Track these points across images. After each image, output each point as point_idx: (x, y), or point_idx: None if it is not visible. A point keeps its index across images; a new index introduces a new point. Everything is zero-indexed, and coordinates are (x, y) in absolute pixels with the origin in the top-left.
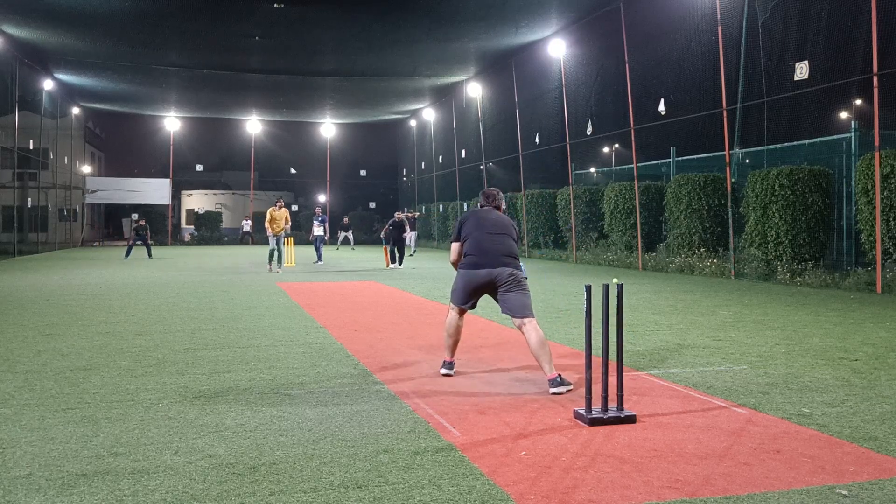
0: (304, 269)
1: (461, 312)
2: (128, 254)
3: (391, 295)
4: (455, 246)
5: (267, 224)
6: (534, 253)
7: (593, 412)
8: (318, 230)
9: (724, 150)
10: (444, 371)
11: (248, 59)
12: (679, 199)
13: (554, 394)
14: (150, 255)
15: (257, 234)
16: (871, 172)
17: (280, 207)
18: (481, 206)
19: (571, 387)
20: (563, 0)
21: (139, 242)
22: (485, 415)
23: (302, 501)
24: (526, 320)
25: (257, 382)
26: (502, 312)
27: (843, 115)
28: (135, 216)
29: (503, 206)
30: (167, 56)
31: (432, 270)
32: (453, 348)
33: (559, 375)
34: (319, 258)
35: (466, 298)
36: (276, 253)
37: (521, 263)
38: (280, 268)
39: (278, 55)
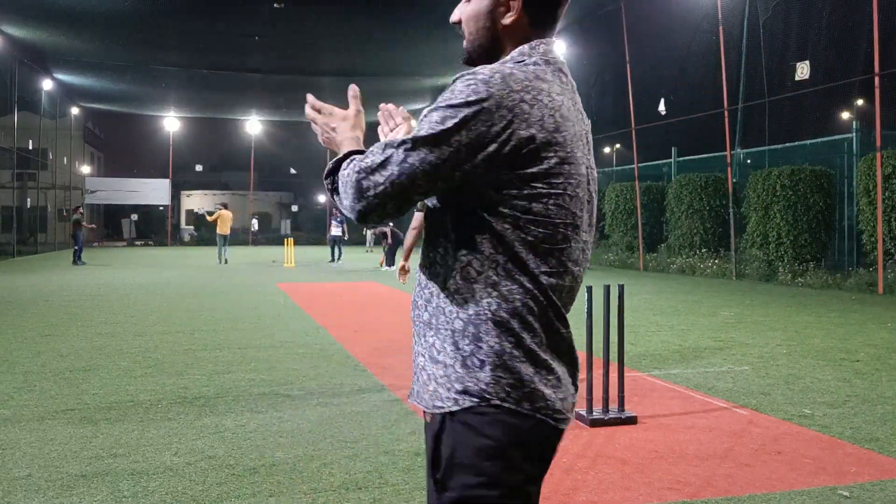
0: (304, 269)
1: None
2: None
3: (391, 295)
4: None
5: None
6: None
7: (594, 413)
8: (335, 230)
9: (725, 150)
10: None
11: (248, 59)
12: (680, 199)
13: None
14: (75, 259)
15: (259, 235)
16: (873, 173)
17: (224, 208)
18: None
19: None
20: None
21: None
22: None
23: (302, 503)
24: None
25: (257, 383)
26: None
27: (845, 115)
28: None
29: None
30: (167, 56)
31: None
32: None
33: None
34: (334, 258)
35: None
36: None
37: None
38: (226, 262)
39: (278, 55)
